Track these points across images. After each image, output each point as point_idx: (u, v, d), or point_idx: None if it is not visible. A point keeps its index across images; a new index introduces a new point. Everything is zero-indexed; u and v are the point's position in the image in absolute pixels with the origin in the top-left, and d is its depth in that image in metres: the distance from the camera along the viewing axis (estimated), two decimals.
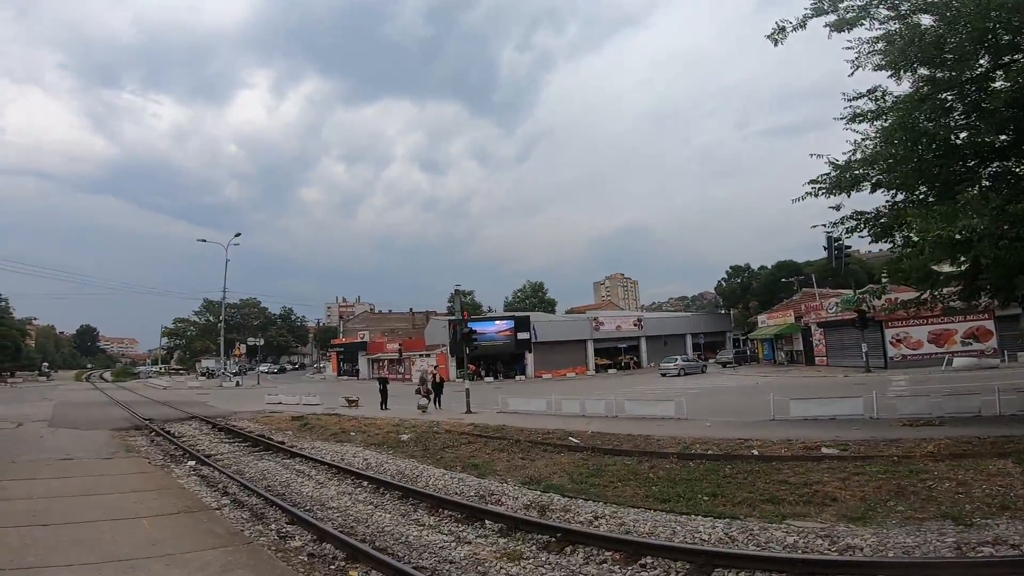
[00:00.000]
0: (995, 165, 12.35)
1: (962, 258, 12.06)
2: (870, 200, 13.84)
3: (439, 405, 22.01)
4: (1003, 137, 11.53)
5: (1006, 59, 10.37)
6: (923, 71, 11.14)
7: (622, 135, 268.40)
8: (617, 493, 8.73)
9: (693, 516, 6.84)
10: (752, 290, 57.42)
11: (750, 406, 17.01)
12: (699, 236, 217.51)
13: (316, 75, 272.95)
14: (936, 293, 13.81)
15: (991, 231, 9.53)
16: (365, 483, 9.81)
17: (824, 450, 10.10)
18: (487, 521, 6.90)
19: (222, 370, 56.89)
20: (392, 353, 52.24)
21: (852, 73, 12.19)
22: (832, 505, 7.26)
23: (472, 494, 8.62)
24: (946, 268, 13.77)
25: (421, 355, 48.41)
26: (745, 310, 57.76)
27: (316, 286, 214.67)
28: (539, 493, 8.48)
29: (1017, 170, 11.95)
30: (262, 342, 62.11)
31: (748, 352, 48.62)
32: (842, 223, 13.95)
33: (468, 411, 20.32)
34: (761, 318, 47.41)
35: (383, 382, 24.56)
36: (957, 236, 9.50)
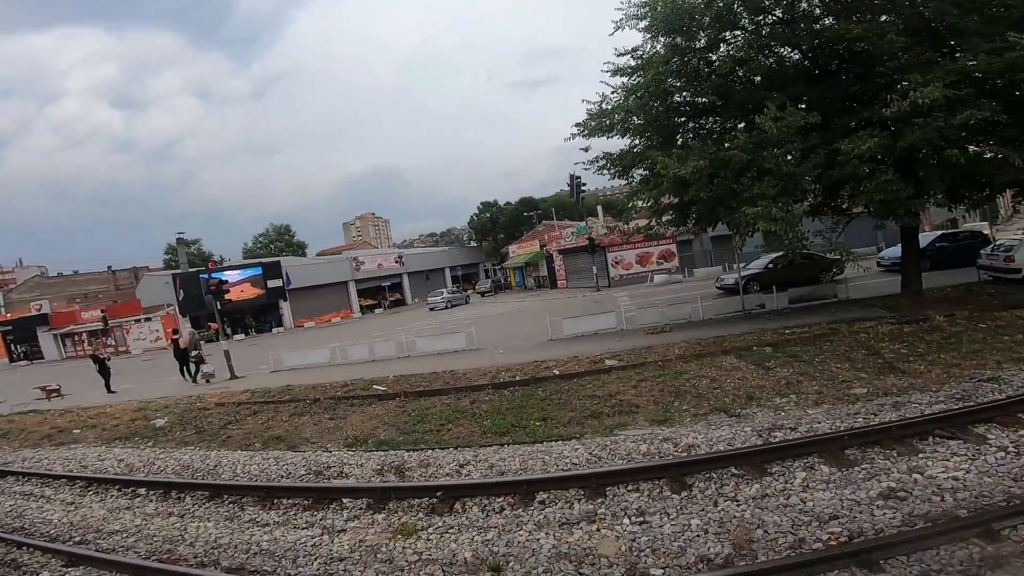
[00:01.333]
0: (700, 121, 15.62)
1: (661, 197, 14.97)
2: (610, 144, 16.15)
3: (188, 374, 18.47)
4: (707, 99, 14.56)
5: (727, 35, 12.90)
6: (669, 38, 13.11)
7: (380, 80, 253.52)
8: (454, 435, 8.81)
9: (544, 443, 7.35)
10: (500, 224, 62.47)
11: (526, 330, 18.78)
12: (450, 176, 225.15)
13: None
14: (658, 221, 17.04)
15: (708, 171, 12.13)
16: (143, 490, 7.75)
17: (608, 362, 11.88)
18: (344, 500, 6.19)
19: None
20: (93, 323, 41.23)
21: (613, 32, 13.73)
22: (638, 412, 8.67)
23: (303, 472, 7.61)
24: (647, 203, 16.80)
25: (138, 320, 39.53)
26: (495, 242, 62.78)
27: None
28: (382, 454, 7.97)
29: (714, 126, 15.32)
30: None
31: (502, 281, 53.50)
32: (595, 162, 16.18)
33: (233, 376, 17.68)
34: (512, 248, 52.25)
35: (99, 360, 19.25)
36: (686, 173, 11.84)
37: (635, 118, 14.27)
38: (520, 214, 58.69)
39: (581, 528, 4.68)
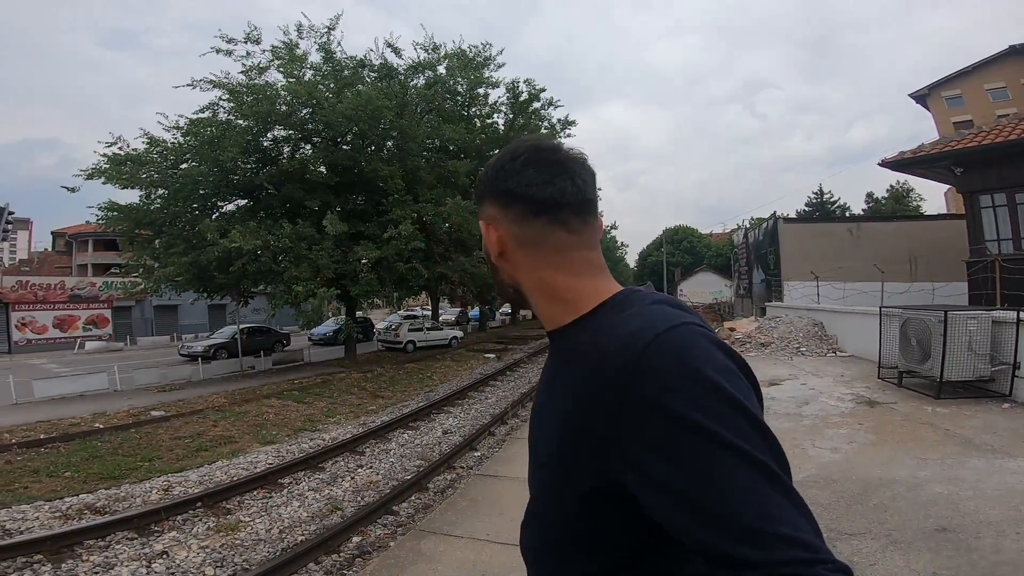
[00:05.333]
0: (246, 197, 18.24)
1: None
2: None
3: None
4: (260, 181, 17.37)
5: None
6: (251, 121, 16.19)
7: None
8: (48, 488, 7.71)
9: (183, 472, 8.43)
10: None
11: None
12: None
13: None
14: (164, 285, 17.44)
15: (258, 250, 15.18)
16: None
17: (153, 413, 12.15)
18: None
19: None
20: None
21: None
22: (238, 441, 10.41)
23: None
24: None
25: None
26: None
27: None
28: None
29: (256, 206, 18.14)
30: None
31: None
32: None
33: None
34: None
35: None
36: (250, 248, 14.57)
37: (175, 173, 15.46)
38: None
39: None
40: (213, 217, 16.95)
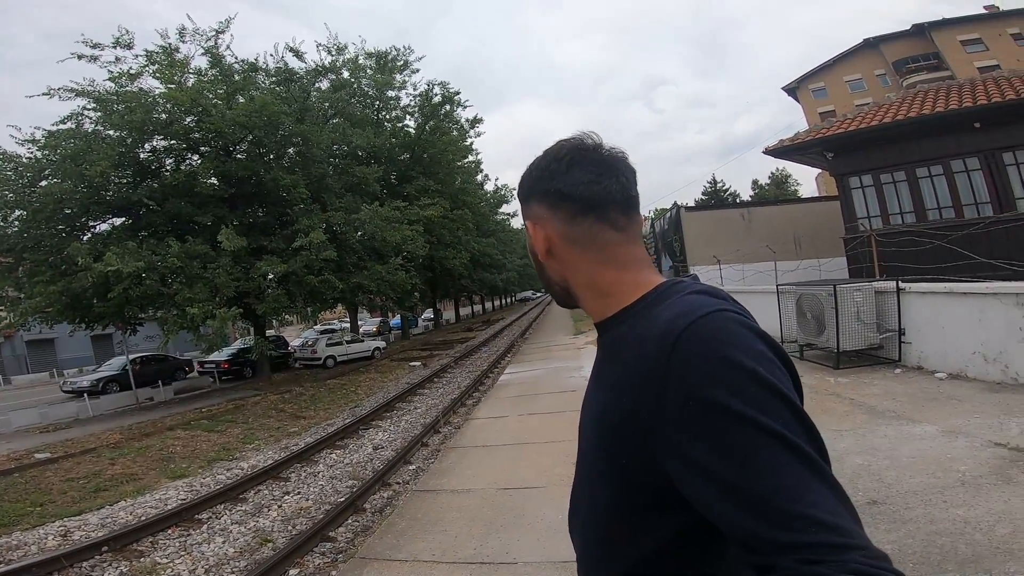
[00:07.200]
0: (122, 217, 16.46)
1: None
2: None
3: None
4: (139, 199, 15.66)
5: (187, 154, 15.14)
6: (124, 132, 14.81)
7: None
8: None
9: (83, 514, 7.52)
10: None
11: None
12: None
13: None
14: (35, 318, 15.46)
15: (140, 273, 13.74)
16: None
17: (37, 456, 10.77)
18: None
19: None
20: None
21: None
22: (143, 478, 9.42)
23: None
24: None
25: None
26: None
27: None
28: None
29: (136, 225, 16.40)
30: None
31: None
32: None
33: None
34: None
35: None
36: (127, 271, 13.15)
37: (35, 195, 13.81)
38: None
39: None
40: (84, 239, 15.21)
